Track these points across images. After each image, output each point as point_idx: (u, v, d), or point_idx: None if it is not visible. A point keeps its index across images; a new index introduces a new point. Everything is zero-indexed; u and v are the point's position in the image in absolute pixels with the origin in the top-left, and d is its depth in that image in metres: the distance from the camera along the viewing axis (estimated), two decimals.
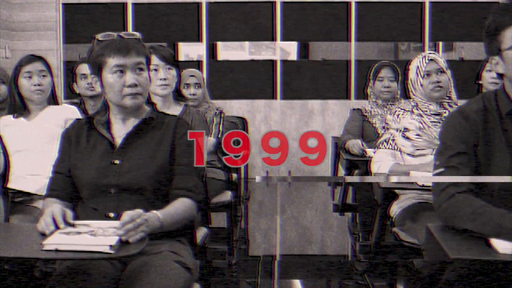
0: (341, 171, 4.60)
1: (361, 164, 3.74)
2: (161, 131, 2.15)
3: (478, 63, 4.02)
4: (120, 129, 2.16)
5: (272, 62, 6.74)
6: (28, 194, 2.86)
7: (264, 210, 5.69)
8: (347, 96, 6.73)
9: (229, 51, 6.82)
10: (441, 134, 2.07)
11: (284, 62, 6.74)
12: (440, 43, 6.69)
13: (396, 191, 2.80)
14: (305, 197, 6.31)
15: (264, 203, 6.02)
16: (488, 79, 3.91)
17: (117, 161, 2.09)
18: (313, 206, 5.95)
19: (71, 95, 4.14)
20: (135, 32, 2.19)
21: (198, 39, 6.70)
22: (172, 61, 3.06)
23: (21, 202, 2.84)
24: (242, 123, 5.50)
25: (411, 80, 3.03)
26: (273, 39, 6.67)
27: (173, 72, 3.07)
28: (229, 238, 4.17)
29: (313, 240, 4.72)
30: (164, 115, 2.21)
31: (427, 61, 2.95)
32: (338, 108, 6.71)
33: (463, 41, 6.67)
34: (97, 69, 2.11)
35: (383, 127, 3.98)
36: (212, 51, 6.76)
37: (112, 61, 2.07)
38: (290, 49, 6.76)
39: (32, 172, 2.95)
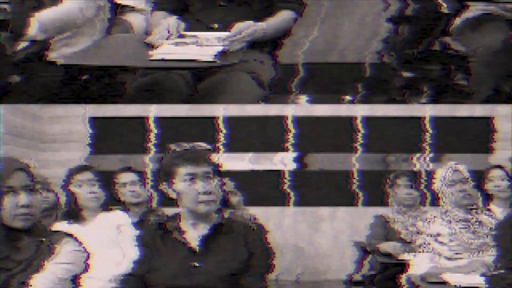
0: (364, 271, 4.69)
1: (392, 266, 3.94)
2: (232, 238, 2.23)
3: None
4: (191, 234, 2.25)
5: (279, 172, 7.03)
6: None
7: None
8: (352, 203, 7.00)
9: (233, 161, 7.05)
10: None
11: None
12: (431, 154, 7.04)
13: None
14: None
15: None
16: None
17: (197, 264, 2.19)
18: None
19: None
20: (205, 144, 2.36)
21: None
22: None
23: None
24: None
25: (438, 189, 3.40)
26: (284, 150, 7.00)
27: None
28: None
29: None
30: (231, 221, 2.30)
31: (452, 171, 3.35)
32: (348, 216, 6.95)
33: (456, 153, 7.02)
34: (168, 177, 2.24)
35: (407, 234, 4.24)
36: None
37: (184, 170, 2.18)
38: (287, 161, 7.07)
39: (88, 275, 3.09)
